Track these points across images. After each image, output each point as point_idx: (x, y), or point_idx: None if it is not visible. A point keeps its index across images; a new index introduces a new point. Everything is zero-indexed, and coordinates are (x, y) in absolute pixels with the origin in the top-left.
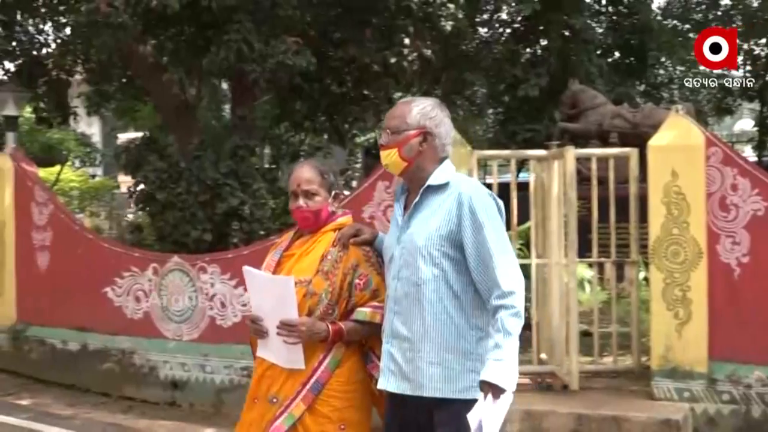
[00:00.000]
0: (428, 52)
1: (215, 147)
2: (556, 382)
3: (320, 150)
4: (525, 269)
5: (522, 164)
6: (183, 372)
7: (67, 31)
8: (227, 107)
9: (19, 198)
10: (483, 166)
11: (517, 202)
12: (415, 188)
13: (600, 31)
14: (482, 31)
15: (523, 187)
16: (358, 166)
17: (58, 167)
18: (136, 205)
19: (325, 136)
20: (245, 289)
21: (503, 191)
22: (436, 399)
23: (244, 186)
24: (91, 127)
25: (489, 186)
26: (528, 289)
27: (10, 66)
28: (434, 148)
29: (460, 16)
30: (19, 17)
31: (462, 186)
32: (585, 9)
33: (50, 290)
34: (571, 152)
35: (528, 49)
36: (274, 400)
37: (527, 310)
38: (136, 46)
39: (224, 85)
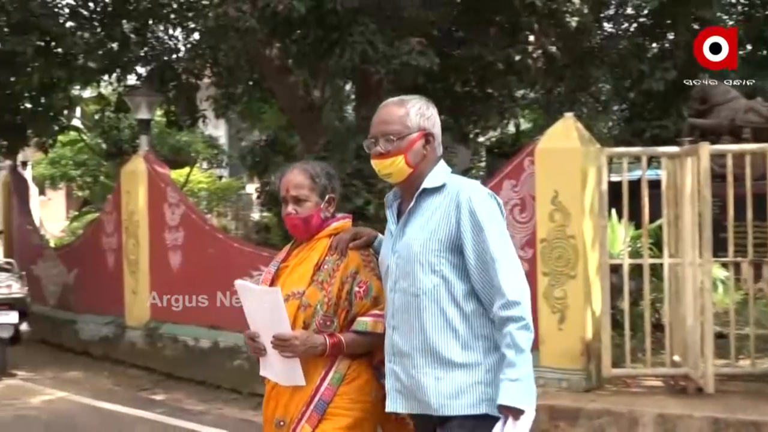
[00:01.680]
0: (553, 49)
1: (340, 147)
2: (690, 384)
3: (445, 149)
4: (656, 269)
5: (650, 161)
6: None
7: (196, 36)
8: (350, 108)
9: (152, 199)
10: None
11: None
12: (409, 194)
13: (731, 23)
14: (607, 26)
15: (651, 185)
16: (482, 165)
17: (186, 169)
18: (263, 206)
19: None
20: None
21: (633, 189)
22: (445, 417)
23: (369, 186)
24: (217, 129)
25: (619, 184)
26: (659, 289)
27: (142, 71)
28: (433, 149)
29: (585, 11)
30: (150, 23)
31: (460, 186)
32: (715, 1)
33: (182, 289)
34: (706, 149)
35: (654, 44)
36: (281, 423)
37: (657, 311)
38: (263, 49)
39: (347, 86)
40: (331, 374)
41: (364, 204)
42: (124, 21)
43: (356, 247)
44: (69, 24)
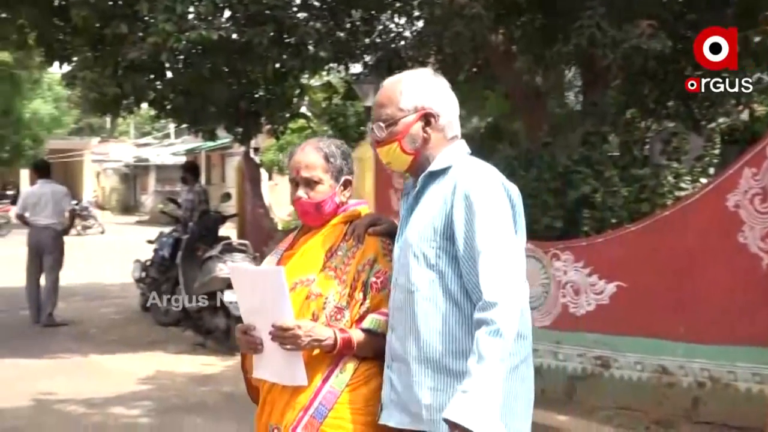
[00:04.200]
0: None
1: (564, 133)
2: None
3: (675, 136)
4: None
5: None
6: (535, 358)
7: (420, 23)
8: (570, 94)
9: (378, 185)
10: None
11: None
12: (417, 179)
13: None
14: None
15: None
16: (716, 152)
17: None
18: None
19: (672, 123)
20: (598, 277)
21: None
22: None
23: (596, 173)
24: None
25: None
26: None
27: (369, 59)
28: (440, 129)
29: None
30: (377, 12)
31: (461, 167)
32: None
33: None
34: None
35: None
36: (275, 430)
37: None
38: (489, 35)
39: (568, 72)
40: (334, 375)
41: (591, 192)
42: (353, 10)
43: (375, 234)
44: (300, 15)
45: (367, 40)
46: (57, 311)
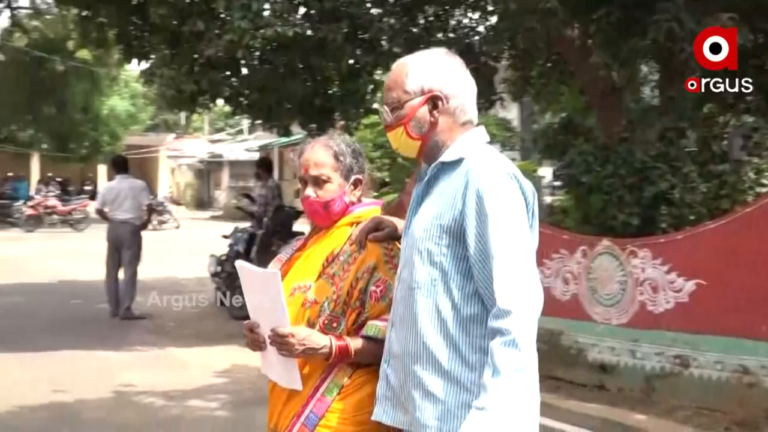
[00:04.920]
0: None
1: (642, 129)
2: None
3: (756, 131)
4: None
5: None
6: (612, 356)
7: (494, 18)
8: (646, 88)
9: None
10: None
11: None
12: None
13: None
14: None
15: None
16: None
17: None
18: (560, 188)
19: (751, 118)
20: (677, 274)
21: None
22: None
23: (674, 169)
24: (509, 112)
25: None
26: None
27: None
28: (451, 113)
29: None
30: (450, 8)
31: (475, 161)
32: None
33: None
34: None
35: None
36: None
37: None
38: (563, 29)
39: (644, 66)
40: (326, 383)
41: (669, 188)
42: (426, 6)
43: (376, 239)
44: (374, 11)
45: (440, 36)
46: (134, 305)
